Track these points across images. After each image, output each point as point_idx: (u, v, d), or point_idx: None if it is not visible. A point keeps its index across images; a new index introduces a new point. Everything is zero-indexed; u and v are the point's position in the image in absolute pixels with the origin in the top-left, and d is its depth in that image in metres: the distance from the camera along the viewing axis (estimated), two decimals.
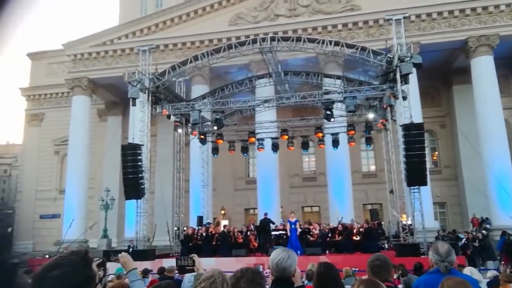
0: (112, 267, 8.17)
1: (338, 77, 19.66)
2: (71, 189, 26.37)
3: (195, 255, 3.91)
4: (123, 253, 3.02)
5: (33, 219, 32.13)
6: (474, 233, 19.03)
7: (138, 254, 15.37)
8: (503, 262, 15.78)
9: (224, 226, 18.78)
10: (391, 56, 15.65)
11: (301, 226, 17.86)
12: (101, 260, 2.92)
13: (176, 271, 7.32)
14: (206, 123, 20.90)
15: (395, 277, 8.28)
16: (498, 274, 8.08)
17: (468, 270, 6.53)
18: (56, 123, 32.08)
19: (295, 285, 2.98)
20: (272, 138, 21.21)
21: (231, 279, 2.40)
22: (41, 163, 33.15)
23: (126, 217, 24.03)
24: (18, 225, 34.06)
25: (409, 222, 16.40)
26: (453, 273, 3.33)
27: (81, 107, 27.47)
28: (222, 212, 28.36)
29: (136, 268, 2.87)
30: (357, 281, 2.35)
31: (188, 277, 3.53)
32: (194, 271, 3.61)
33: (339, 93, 17.60)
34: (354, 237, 17.04)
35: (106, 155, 28.42)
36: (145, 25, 26.68)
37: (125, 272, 2.93)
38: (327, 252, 16.44)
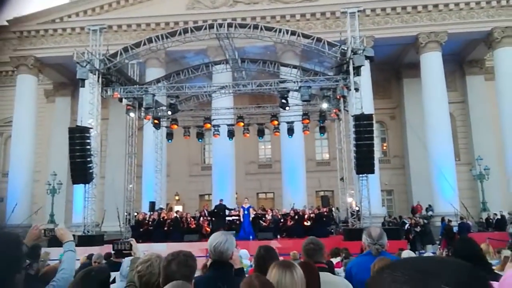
0: (56, 252, 7.94)
1: (295, 67, 19.89)
2: (15, 172, 25.05)
3: (133, 239, 3.89)
4: (59, 225, 2.97)
5: None
6: (417, 219, 20.19)
7: (86, 240, 14.98)
8: (439, 246, 16.92)
9: (177, 211, 18.65)
10: (345, 48, 16.04)
11: (255, 212, 18.13)
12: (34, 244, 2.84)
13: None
14: (161, 107, 20.47)
15: (339, 260, 8.67)
16: None
17: (406, 253, 6.95)
18: (0, 103, 30.16)
19: (234, 268, 3.04)
20: (228, 125, 21.20)
21: (163, 262, 2.42)
22: None
23: (74, 202, 23.20)
24: None
25: (357, 208, 17.08)
26: (383, 255, 3.52)
27: (27, 86, 25.95)
28: (176, 198, 28.11)
29: (72, 240, 2.83)
30: (273, 263, 2.46)
31: (126, 261, 3.50)
32: (131, 255, 3.59)
33: (294, 82, 17.84)
34: (305, 223, 17.52)
35: (53, 137, 27.22)
36: (97, 3, 25.47)
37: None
38: (278, 236, 16.81)
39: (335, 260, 8.36)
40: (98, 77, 16.71)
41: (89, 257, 9.03)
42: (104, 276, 2.27)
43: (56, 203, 24.58)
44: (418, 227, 18.58)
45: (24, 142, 25.22)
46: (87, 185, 16.10)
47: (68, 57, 20.35)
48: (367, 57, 15.65)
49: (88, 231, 16.26)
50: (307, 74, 18.75)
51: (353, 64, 15.60)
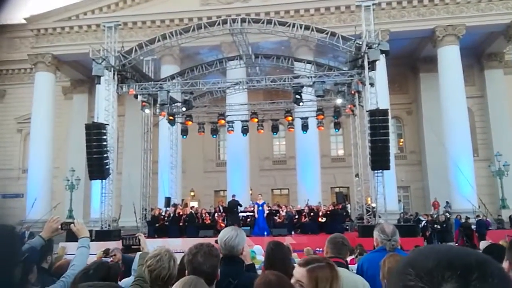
0: (73, 247, 8.05)
1: (309, 62, 19.75)
2: (35, 168, 25.59)
3: (141, 234, 3.93)
4: (77, 220, 3.00)
5: None
6: (435, 216, 19.89)
7: (104, 235, 15.24)
8: (457, 244, 16.65)
9: (192, 207, 18.79)
10: (360, 43, 15.83)
11: (269, 208, 18.14)
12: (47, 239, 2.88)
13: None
14: (175, 104, 20.60)
15: (353, 257, 8.60)
16: None
17: None
18: (19, 100, 30.79)
19: (245, 263, 3.04)
20: (242, 121, 21.21)
21: (187, 256, 2.42)
22: (3, 141, 31.86)
23: (91, 198, 23.59)
24: None
25: (373, 205, 16.91)
26: (397, 251, 3.47)
27: (45, 84, 26.44)
28: (191, 193, 28.31)
29: (87, 237, 2.86)
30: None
31: (137, 256, 3.54)
32: (140, 250, 3.62)
33: (308, 77, 17.72)
34: (320, 219, 17.46)
35: (71, 134, 27.66)
36: (112, 1, 25.73)
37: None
38: (292, 232, 16.80)
39: (349, 257, 8.29)
40: (114, 74, 16.89)
41: (106, 251, 9.18)
42: (103, 273, 2.27)
43: (74, 198, 25.01)
44: (438, 224, 18.29)
45: (42, 139, 25.72)
46: (104, 180, 16.33)
47: (84, 54, 20.67)
48: (382, 51, 15.42)
49: (106, 226, 16.51)
50: (321, 69, 18.60)
51: (368, 58, 15.39)
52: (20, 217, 24.00)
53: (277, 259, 3.23)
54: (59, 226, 2.84)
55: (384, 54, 15.87)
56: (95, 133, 15.65)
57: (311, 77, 17.56)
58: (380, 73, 18.01)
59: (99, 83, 16.66)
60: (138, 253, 3.67)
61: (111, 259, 7.83)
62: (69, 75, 29.72)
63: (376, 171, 15.79)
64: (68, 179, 24.86)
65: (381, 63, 17.87)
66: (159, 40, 17.10)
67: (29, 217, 21.27)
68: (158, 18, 24.90)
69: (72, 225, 2.86)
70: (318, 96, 17.14)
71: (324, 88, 16.93)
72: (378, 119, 14.89)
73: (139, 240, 3.68)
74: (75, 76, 29.49)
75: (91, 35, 25.35)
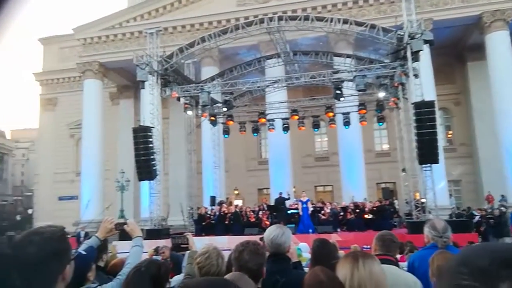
0: (123, 246, 8.40)
1: (348, 56, 19.39)
2: (87, 171, 26.93)
3: (189, 233, 4.04)
4: (130, 220, 3.13)
5: (52, 201, 33.02)
6: (490, 210, 18.89)
7: (154, 233, 15.78)
8: None
9: (236, 205, 19.03)
10: (402, 33, 15.33)
11: (313, 205, 18.02)
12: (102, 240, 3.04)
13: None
14: (216, 104, 20.94)
15: (403, 254, 8.35)
16: None
17: None
18: (70, 107, 32.53)
19: (292, 261, 3.06)
20: (282, 119, 21.18)
21: (234, 253, 2.45)
22: (58, 146, 33.82)
23: (141, 198, 24.52)
24: (38, 206, 35.10)
25: (423, 200, 16.36)
26: (449, 249, 3.36)
27: (93, 91, 27.72)
28: (235, 192, 28.67)
29: (140, 236, 2.98)
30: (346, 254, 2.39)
31: (186, 254, 3.66)
32: (188, 249, 3.73)
33: (349, 72, 17.40)
34: (366, 216, 17.13)
35: (120, 137, 28.86)
36: (153, 7, 26.53)
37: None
38: (338, 230, 16.58)
39: (399, 255, 8.06)
40: (157, 78, 17.43)
41: (156, 249, 9.54)
42: (155, 270, 2.36)
43: (125, 199, 26.07)
44: (492, 219, 17.37)
45: (93, 143, 27.01)
46: (152, 181, 16.90)
47: (128, 61, 21.44)
48: (426, 41, 14.85)
49: (155, 225, 17.10)
50: (361, 63, 18.19)
51: (411, 49, 14.88)
52: (75, 218, 25.44)
53: (323, 256, 3.22)
54: (114, 227, 2.98)
55: (428, 44, 15.27)
56: (141, 136, 16.22)
57: (351, 71, 17.23)
58: (425, 63, 17.37)
59: (144, 88, 17.26)
60: (187, 252, 3.79)
61: (161, 256, 8.14)
62: (115, 81, 30.98)
63: (424, 165, 15.25)
64: (119, 180, 25.94)
65: (425, 53, 17.20)
66: (198, 43, 17.43)
67: (84, 218, 22.44)
68: (197, 22, 25.38)
69: (125, 225, 2.98)
70: (359, 90, 16.79)
71: (366, 82, 16.57)
72: (424, 111, 14.36)
73: (187, 239, 3.79)
74: (121, 82, 30.70)
75: (134, 41, 26.28)
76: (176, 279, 3.58)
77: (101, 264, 3.63)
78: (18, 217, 51.54)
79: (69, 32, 29.63)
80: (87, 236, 14.97)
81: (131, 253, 2.88)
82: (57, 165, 33.70)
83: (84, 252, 2.70)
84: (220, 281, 1.20)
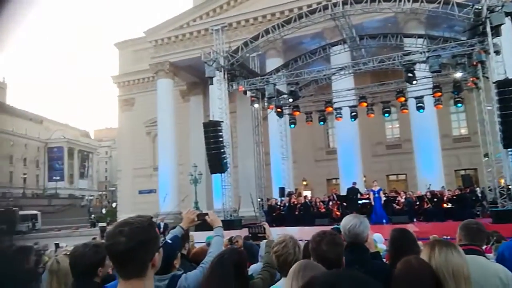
0: (203, 235, 8.79)
1: (420, 36, 18.29)
2: (163, 166, 28.55)
3: (265, 223, 4.13)
4: (210, 211, 3.29)
5: (133, 195, 35.51)
6: None
7: (226, 224, 16.26)
8: None
9: (305, 196, 19.00)
10: (479, 7, 14.09)
11: (386, 195, 17.43)
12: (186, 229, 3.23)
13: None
14: (282, 96, 20.96)
15: (489, 245, 7.79)
16: None
17: None
18: (146, 106, 34.61)
19: (370, 251, 3.01)
20: (350, 107, 20.60)
21: (311, 244, 2.45)
22: (136, 143, 36.23)
23: (213, 190, 25.44)
24: (120, 200, 37.97)
25: (509, 187, 15.06)
26: None
27: (165, 89, 29.20)
28: (304, 183, 28.62)
29: (221, 226, 3.12)
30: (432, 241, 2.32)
31: (263, 244, 3.75)
32: (265, 238, 3.82)
33: (421, 53, 16.43)
34: (445, 205, 16.19)
35: (191, 133, 30.11)
36: (217, 4, 27.16)
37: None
38: (414, 220, 15.88)
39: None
40: (224, 74, 17.87)
41: (230, 239, 9.88)
42: (237, 258, 2.45)
43: (198, 191, 27.24)
44: None
45: (168, 139, 28.54)
46: (223, 174, 17.47)
47: (197, 58, 22.21)
48: (507, 14, 13.50)
49: (228, 216, 17.67)
50: (435, 42, 17.06)
51: (491, 23, 13.64)
52: (154, 210, 27.11)
53: (404, 246, 3.12)
54: (196, 217, 3.15)
55: (509, 17, 13.89)
56: (212, 131, 16.76)
57: (424, 52, 16.25)
58: (507, 38, 15.81)
59: (212, 84, 17.82)
60: (263, 241, 3.89)
61: (236, 246, 8.41)
62: (185, 79, 32.32)
63: (509, 149, 14.00)
64: (192, 174, 27.15)
65: (507, 27, 15.63)
66: (262, 36, 17.53)
67: (162, 210, 23.86)
68: (260, 14, 25.55)
69: (206, 216, 3.14)
70: (433, 72, 15.81)
71: (440, 62, 15.53)
72: (508, 90, 13.11)
73: (264, 228, 3.89)
74: (190, 79, 31.95)
75: (201, 39, 27.16)
76: (254, 268, 3.69)
77: (184, 252, 3.85)
78: (103, 210, 56.19)
79: (141, 35, 31.43)
80: (166, 227, 15.90)
81: (213, 242, 3.03)
82: (136, 161, 36.12)
83: (170, 241, 2.89)
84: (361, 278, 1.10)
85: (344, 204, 17.43)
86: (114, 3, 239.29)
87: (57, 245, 8.08)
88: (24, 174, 68.33)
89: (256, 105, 19.93)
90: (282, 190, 20.43)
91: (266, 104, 20.31)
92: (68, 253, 3.13)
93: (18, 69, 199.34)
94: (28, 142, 73.40)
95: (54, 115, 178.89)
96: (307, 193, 23.26)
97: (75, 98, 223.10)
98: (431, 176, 20.60)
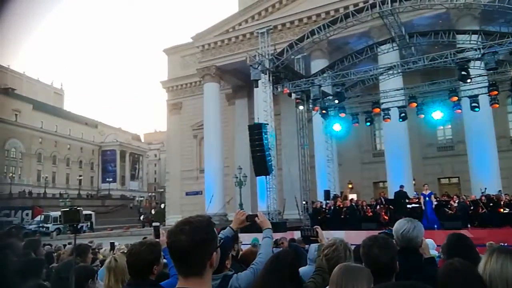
0: (249, 237, 8.86)
1: (474, 32, 17.36)
2: (209, 169, 29.10)
3: (318, 226, 4.08)
4: (259, 212, 3.32)
5: (180, 196, 36.48)
6: None
7: (272, 227, 16.31)
8: None
9: (351, 199, 18.61)
10: None
11: (437, 199, 16.70)
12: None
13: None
14: (327, 97, 20.68)
15: None
16: None
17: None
18: (193, 110, 35.54)
19: (424, 257, 2.90)
20: (398, 107, 19.93)
21: (362, 249, 2.40)
22: (183, 146, 37.25)
23: (258, 193, 25.56)
24: (169, 201, 39.13)
25: None
26: None
27: (212, 93, 29.80)
28: (349, 186, 28.05)
29: (270, 228, 3.13)
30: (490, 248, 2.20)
31: (313, 247, 3.71)
32: (317, 242, 3.78)
33: (476, 49, 15.60)
34: (502, 210, 15.27)
35: (236, 135, 30.49)
36: (262, 7, 27.34)
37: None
38: (468, 226, 15.08)
39: None
40: (269, 76, 17.94)
41: (276, 241, 9.88)
42: (290, 258, 2.46)
43: (243, 193, 27.52)
44: None
45: (214, 142, 29.09)
46: (267, 176, 17.52)
47: (242, 62, 22.53)
48: None
49: (272, 219, 17.68)
50: (491, 38, 16.12)
51: None
52: (200, 211, 27.67)
53: (461, 252, 2.97)
54: (245, 219, 3.18)
55: None
56: (256, 133, 16.86)
57: (479, 48, 15.42)
58: None
59: (257, 86, 17.95)
60: (312, 245, 3.86)
61: (281, 247, 8.42)
62: (230, 83, 32.82)
63: None
64: (237, 176, 27.47)
65: None
66: (308, 37, 17.43)
67: (208, 211, 24.31)
68: (305, 16, 25.42)
69: (256, 217, 3.16)
70: (489, 69, 14.98)
71: (497, 59, 14.69)
72: None
73: (317, 232, 3.86)
74: (235, 83, 32.40)
75: (246, 43, 27.46)
76: (303, 271, 3.67)
77: (233, 253, 3.91)
78: (152, 211, 58.14)
79: (188, 41, 32.29)
80: None
81: (263, 244, 3.05)
82: (183, 163, 37.12)
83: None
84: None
85: (392, 208, 16.89)
86: (163, 11, 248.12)
87: (112, 244, 8.47)
88: (80, 176, 72.37)
89: (301, 107, 19.82)
90: (327, 193, 20.15)
91: (311, 106, 20.14)
92: (125, 252, 3.28)
93: (75, 76, 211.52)
94: (83, 145, 77.67)
95: (108, 119, 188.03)
96: (353, 196, 22.74)
97: (128, 103, 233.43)
98: (486, 179, 19.46)
